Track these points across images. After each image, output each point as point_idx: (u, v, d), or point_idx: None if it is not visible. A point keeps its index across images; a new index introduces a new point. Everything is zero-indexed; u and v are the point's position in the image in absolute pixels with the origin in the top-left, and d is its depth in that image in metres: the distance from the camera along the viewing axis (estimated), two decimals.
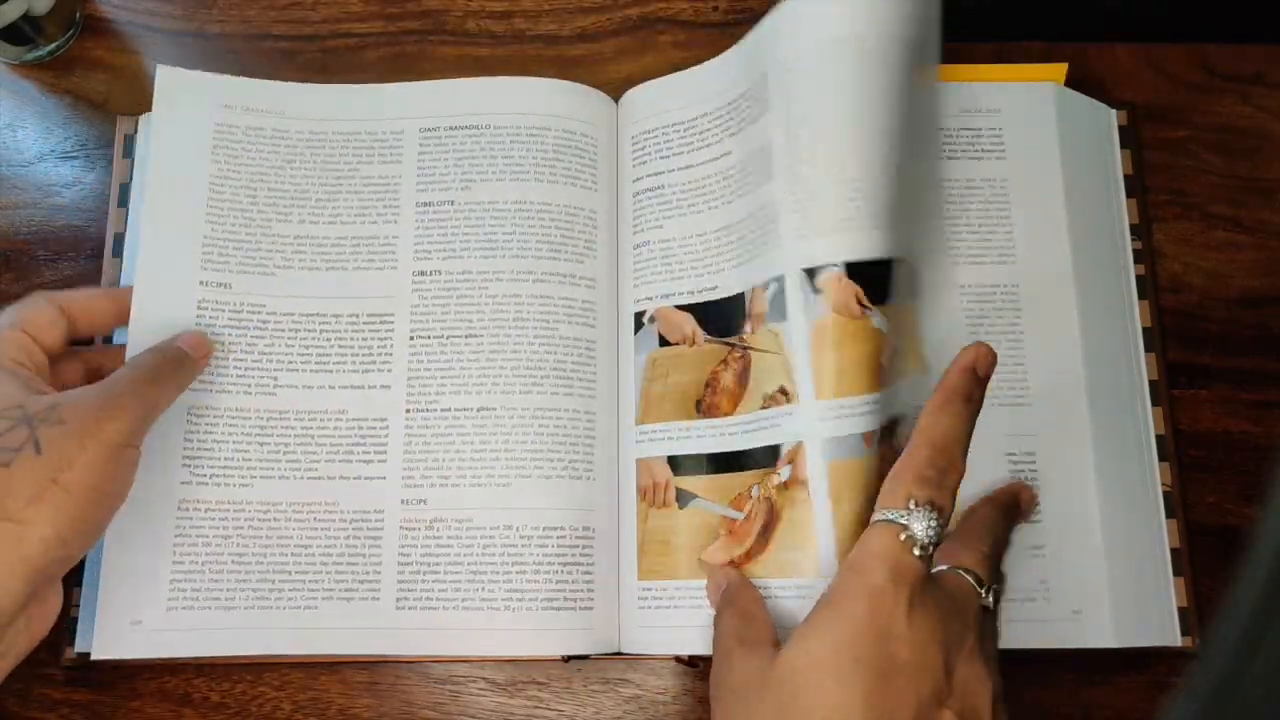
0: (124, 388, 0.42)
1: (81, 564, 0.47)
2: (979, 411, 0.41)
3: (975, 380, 0.41)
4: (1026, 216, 0.51)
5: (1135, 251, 0.52)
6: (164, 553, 0.46)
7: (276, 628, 0.46)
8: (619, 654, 0.47)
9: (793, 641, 0.37)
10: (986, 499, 0.45)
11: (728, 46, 0.56)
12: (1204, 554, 0.49)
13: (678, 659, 0.47)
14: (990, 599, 0.40)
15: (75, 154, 0.55)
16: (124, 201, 0.53)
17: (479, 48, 0.56)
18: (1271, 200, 0.54)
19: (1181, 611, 0.47)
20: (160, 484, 0.46)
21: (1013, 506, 0.45)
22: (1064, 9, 0.54)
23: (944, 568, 0.40)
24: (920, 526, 0.37)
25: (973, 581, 0.39)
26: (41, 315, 0.44)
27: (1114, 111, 0.54)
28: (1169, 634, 0.47)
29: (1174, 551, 0.48)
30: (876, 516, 0.39)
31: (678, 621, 0.46)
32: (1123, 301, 0.51)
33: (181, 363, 0.45)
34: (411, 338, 0.49)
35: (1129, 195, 0.53)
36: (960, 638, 0.38)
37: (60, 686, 0.47)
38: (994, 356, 0.41)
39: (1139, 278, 0.52)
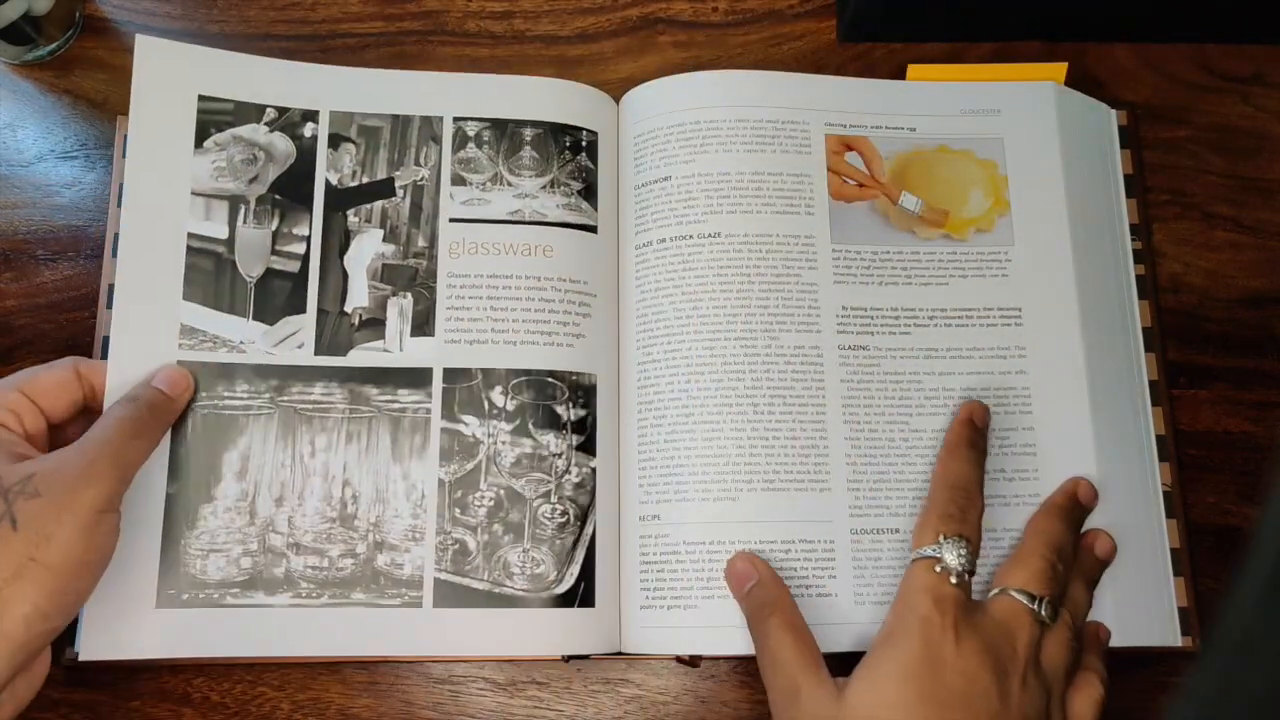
0: (100, 450, 0.41)
1: None
2: (985, 455, 0.46)
3: (975, 430, 0.46)
4: (1027, 216, 0.51)
5: (1135, 251, 0.52)
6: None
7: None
8: (619, 654, 0.47)
9: (859, 680, 0.40)
10: (1040, 509, 0.46)
11: (728, 46, 0.56)
12: (1204, 554, 0.49)
13: (678, 659, 0.47)
14: (1046, 612, 0.41)
15: (75, 154, 0.55)
16: (123, 201, 0.52)
17: (479, 48, 0.56)
18: (1271, 200, 0.54)
19: (1181, 611, 0.47)
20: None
21: (1070, 506, 0.46)
22: (1064, 9, 0.54)
23: (995, 592, 0.42)
24: (952, 556, 0.41)
25: (1023, 600, 0.41)
26: (51, 378, 0.44)
27: (1114, 111, 0.54)
28: (1169, 634, 0.47)
29: (1174, 551, 0.48)
30: (912, 556, 0.43)
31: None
32: (1123, 301, 0.51)
33: (160, 408, 0.45)
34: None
35: (1129, 195, 0.53)
36: (1011, 660, 0.40)
37: (60, 686, 0.47)
38: (987, 409, 0.47)
39: (1139, 278, 0.52)
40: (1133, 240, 0.52)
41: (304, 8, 0.57)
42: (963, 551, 0.42)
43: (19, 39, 0.54)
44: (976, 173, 0.52)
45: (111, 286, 0.51)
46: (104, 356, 0.50)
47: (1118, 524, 0.47)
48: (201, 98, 0.50)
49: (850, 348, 0.49)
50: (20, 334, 0.52)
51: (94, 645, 0.45)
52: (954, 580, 0.41)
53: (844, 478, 0.47)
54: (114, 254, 0.52)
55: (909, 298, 0.50)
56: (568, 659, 0.47)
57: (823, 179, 0.51)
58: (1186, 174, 0.54)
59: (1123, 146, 0.54)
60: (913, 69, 0.54)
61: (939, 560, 0.42)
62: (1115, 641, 0.46)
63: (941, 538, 0.42)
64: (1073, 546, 0.45)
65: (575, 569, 0.47)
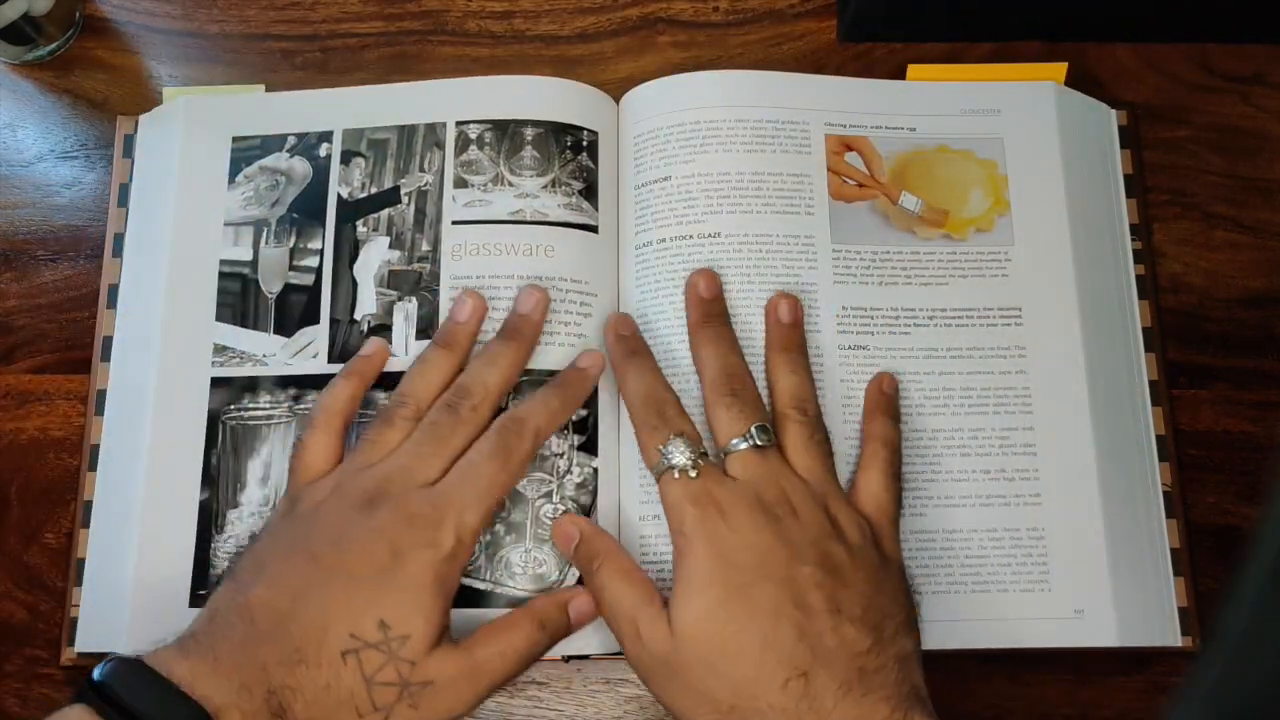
0: (490, 687, 0.42)
1: (81, 564, 0.47)
2: (645, 349, 0.48)
3: (621, 340, 0.48)
4: (1027, 216, 0.51)
5: (1135, 251, 0.52)
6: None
7: None
8: (619, 654, 0.47)
9: (676, 603, 0.41)
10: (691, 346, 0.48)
11: (728, 46, 0.56)
12: (1204, 554, 0.49)
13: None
14: (761, 439, 0.43)
15: (75, 154, 0.55)
16: (124, 201, 0.53)
17: (479, 48, 0.56)
18: (1271, 200, 0.54)
19: (1181, 611, 0.47)
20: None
21: (704, 320, 0.48)
22: (1064, 9, 0.54)
23: (721, 457, 0.44)
24: (678, 456, 0.43)
25: (739, 446, 0.44)
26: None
27: (1114, 111, 0.54)
28: (1169, 634, 0.47)
29: (1174, 551, 0.48)
30: (655, 477, 0.44)
31: None
32: (1123, 301, 0.51)
33: (544, 640, 0.43)
34: None
35: (1129, 195, 0.53)
36: (774, 503, 0.42)
37: (60, 686, 0.47)
38: (628, 319, 0.49)
39: (1139, 278, 0.52)
40: (1133, 240, 0.52)
41: (304, 8, 0.57)
42: (683, 445, 0.43)
43: (19, 39, 0.54)
44: (976, 173, 0.52)
45: (112, 287, 0.52)
46: (104, 358, 0.51)
47: (1119, 523, 0.47)
48: (234, 139, 0.53)
49: (850, 348, 0.49)
50: (20, 334, 0.52)
51: (134, 643, 0.45)
52: (694, 474, 0.43)
53: (844, 478, 0.47)
54: (114, 254, 0.52)
55: (909, 298, 0.50)
56: (568, 659, 0.47)
57: (823, 179, 0.51)
58: (1186, 174, 0.54)
59: (1123, 146, 0.54)
60: (913, 69, 0.54)
61: (671, 468, 0.43)
62: (1118, 641, 0.46)
63: (660, 448, 0.44)
64: (736, 353, 0.47)
65: (576, 569, 0.47)
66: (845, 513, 0.43)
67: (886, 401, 0.48)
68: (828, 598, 0.40)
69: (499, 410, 0.46)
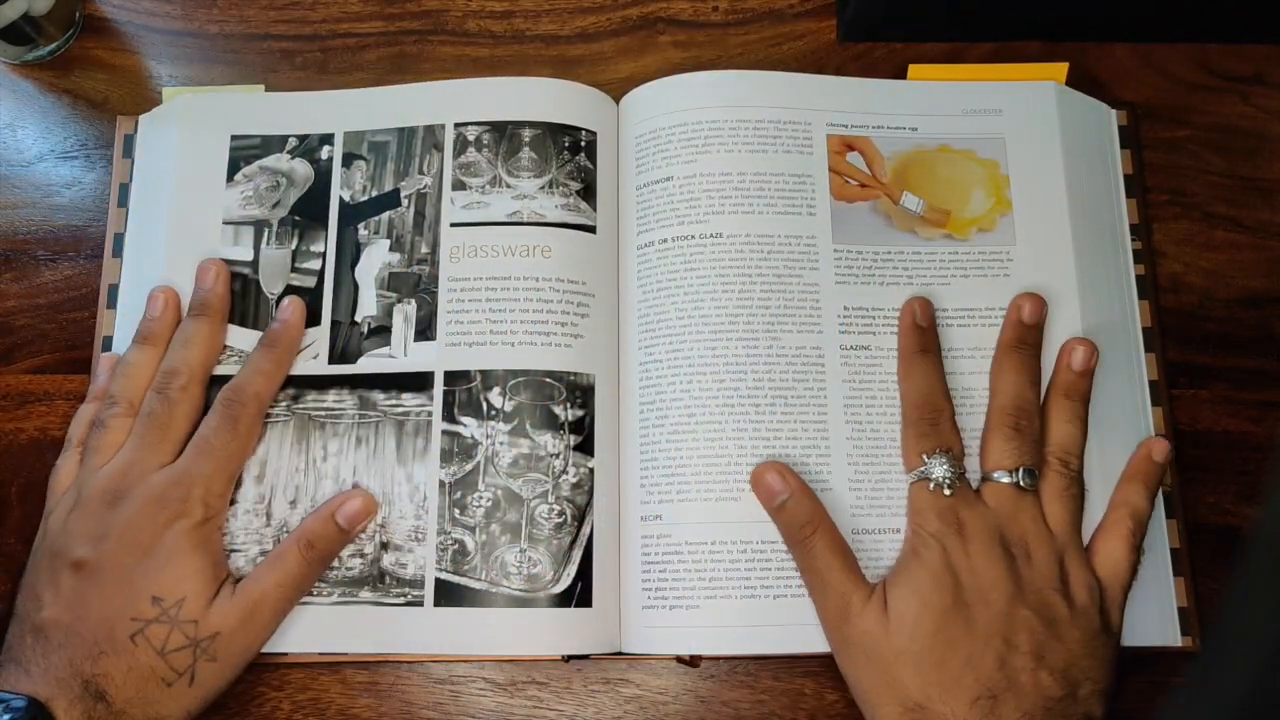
0: (274, 618, 0.45)
1: None
2: (940, 353, 0.48)
3: (920, 332, 0.48)
4: (1028, 216, 0.51)
5: (1135, 251, 0.52)
6: None
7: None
8: (619, 654, 0.47)
9: (896, 594, 0.43)
10: (993, 363, 0.48)
11: (728, 46, 0.56)
12: (1204, 554, 0.49)
13: (679, 659, 0.47)
14: (1025, 481, 0.44)
15: (75, 154, 0.55)
16: (124, 201, 0.53)
17: (479, 48, 0.56)
18: (1271, 200, 0.54)
19: (1181, 611, 0.47)
20: None
21: (1016, 344, 0.48)
22: (1064, 9, 0.54)
23: (980, 482, 0.45)
24: (939, 471, 0.44)
25: (1001, 479, 0.45)
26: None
27: (1114, 111, 0.54)
28: (1169, 634, 0.47)
29: (1174, 551, 0.48)
30: (908, 481, 0.46)
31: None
32: (1123, 301, 0.51)
33: (333, 554, 0.47)
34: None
35: (1129, 195, 0.53)
36: (1015, 542, 0.43)
37: None
38: (927, 302, 0.48)
39: (1139, 278, 0.52)
40: (1133, 240, 0.52)
41: (304, 7, 0.57)
42: (946, 462, 0.44)
43: (19, 39, 0.54)
44: (978, 172, 0.52)
45: (112, 287, 0.52)
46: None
47: None
48: (233, 137, 0.53)
49: (852, 348, 0.49)
50: (20, 334, 0.52)
51: None
52: (948, 492, 0.44)
53: (845, 478, 0.47)
54: (114, 254, 0.52)
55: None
56: (568, 659, 0.47)
57: (824, 179, 0.51)
58: (1186, 174, 0.54)
59: (1123, 146, 0.54)
60: (913, 69, 0.54)
61: (928, 479, 0.45)
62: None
63: (924, 457, 0.45)
64: (1034, 388, 0.47)
65: (572, 569, 0.47)
66: (1079, 572, 0.44)
67: (1152, 471, 0.47)
68: (1036, 644, 0.42)
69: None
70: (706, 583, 0.46)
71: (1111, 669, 0.43)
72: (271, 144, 0.53)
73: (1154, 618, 0.47)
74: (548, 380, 0.48)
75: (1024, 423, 0.46)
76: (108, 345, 0.51)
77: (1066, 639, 0.42)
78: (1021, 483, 0.44)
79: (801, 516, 0.45)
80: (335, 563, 0.47)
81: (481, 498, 0.47)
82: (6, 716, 0.39)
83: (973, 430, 0.47)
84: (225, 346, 0.49)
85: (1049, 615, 0.42)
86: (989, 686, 0.41)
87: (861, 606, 0.43)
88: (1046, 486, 0.45)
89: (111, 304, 0.51)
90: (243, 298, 0.50)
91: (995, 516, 0.44)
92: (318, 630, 0.46)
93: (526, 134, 0.51)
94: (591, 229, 0.51)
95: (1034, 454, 0.45)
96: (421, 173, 0.52)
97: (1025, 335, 0.48)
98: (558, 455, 0.48)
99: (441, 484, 0.47)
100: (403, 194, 0.51)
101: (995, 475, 0.45)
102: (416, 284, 0.50)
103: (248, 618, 0.44)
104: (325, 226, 0.51)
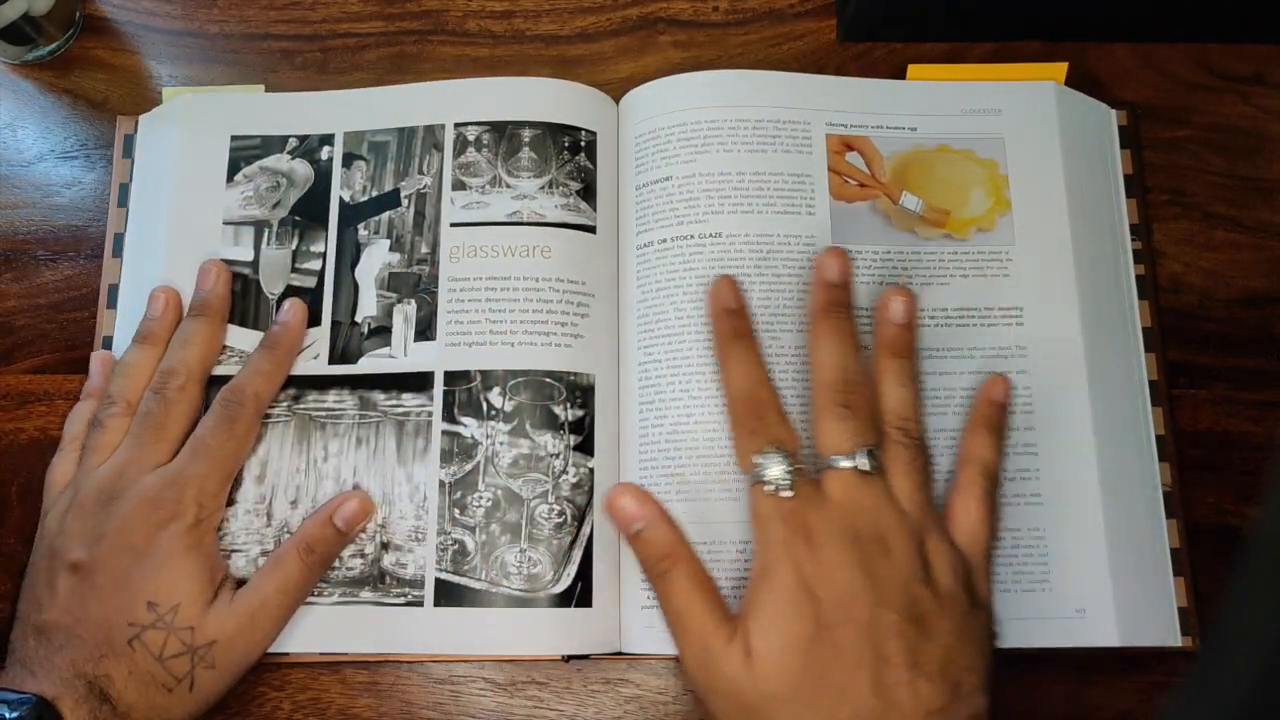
0: (274, 625, 0.45)
1: None
2: (756, 338, 0.45)
3: (730, 315, 0.45)
4: (1028, 216, 0.51)
5: (1135, 251, 0.52)
6: None
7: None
8: (619, 654, 0.47)
9: (755, 630, 0.40)
10: (809, 341, 0.45)
11: (728, 46, 0.56)
12: (1204, 554, 0.49)
13: (679, 659, 0.47)
14: (866, 463, 0.41)
15: (75, 154, 0.55)
16: (124, 201, 0.53)
17: (479, 48, 0.56)
18: (1271, 200, 0.54)
19: (1181, 611, 0.47)
20: None
21: (826, 311, 0.45)
22: (1064, 9, 0.54)
23: (819, 470, 0.42)
24: (774, 470, 0.41)
25: (841, 465, 0.41)
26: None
27: (1114, 111, 0.54)
28: (1169, 634, 0.47)
29: (1174, 551, 0.48)
30: (747, 483, 0.43)
31: None
32: (1123, 301, 0.51)
33: (332, 557, 0.46)
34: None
35: (1129, 195, 0.53)
36: (867, 534, 0.40)
37: None
38: (732, 281, 0.46)
39: (1139, 278, 0.52)
40: (1133, 240, 0.52)
41: (304, 8, 0.57)
42: (780, 460, 0.41)
43: (19, 39, 0.54)
44: (977, 172, 0.52)
45: (112, 287, 0.52)
46: None
47: (1120, 523, 0.47)
48: (233, 137, 0.53)
49: None
50: (20, 334, 0.52)
51: None
52: (788, 493, 0.41)
53: None
54: (114, 254, 0.52)
55: None
56: (568, 659, 0.47)
57: (824, 179, 0.51)
58: (1186, 174, 0.54)
59: (1123, 146, 0.54)
60: (913, 69, 0.54)
61: (764, 482, 0.41)
62: (1119, 641, 0.46)
63: (755, 457, 0.42)
64: (856, 354, 0.44)
65: (572, 569, 0.47)
66: (940, 551, 0.41)
67: (995, 415, 0.45)
68: (908, 649, 0.39)
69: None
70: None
71: (988, 650, 0.41)
72: (271, 144, 0.53)
73: (1154, 618, 0.47)
74: (548, 380, 0.48)
75: (853, 397, 0.43)
76: (108, 345, 0.51)
77: (938, 634, 0.39)
78: (863, 466, 0.41)
79: (660, 547, 0.43)
80: (336, 563, 0.47)
81: (481, 498, 0.47)
82: (13, 714, 0.39)
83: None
84: (225, 347, 0.50)
85: (916, 612, 0.39)
86: (865, 715, 0.38)
87: (723, 649, 0.40)
88: (891, 462, 0.42)
89: (111, 304, 0.51)
90: (243, 298, 0.51)
91: (842, 512, 0.41)
92: (318, 630, 0.46)
93: (526, 134, 0.51)
94: (591, 229, 0.51)
95: (871, 430, 0.42)
96: (421, 173, 0.52)
97: (836, 296, 0.45)
98: (558, 455, 0.48)
99: (441, 484, 0.48)
100: (403, 194, 0.51)
101: (833, 461, 0.42)
102: (416, 284, 0.50)
103: (247, 625, 0.44)
104: (325, 227, 0.51)
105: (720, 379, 0.46)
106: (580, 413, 0.48)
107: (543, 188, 0.51)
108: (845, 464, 0.41)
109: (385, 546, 0.47)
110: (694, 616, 0.41)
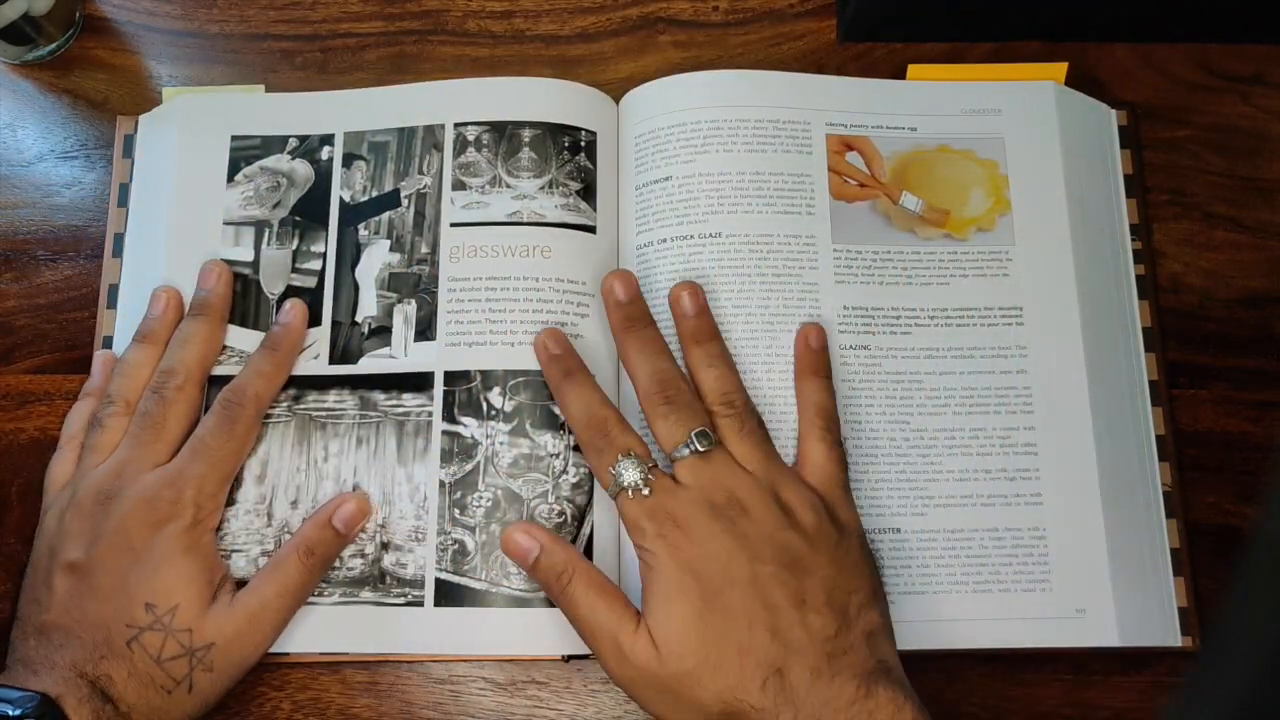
0: (273, 629, 0.45)
1: None
2: (580, 365, 0.47)
3: (557, 360, 0.47)
4: (1027, 216, 0.51)
5: (1135, 251, 0.52)
6: None
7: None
8: None
9: (656, 620, 0.42)
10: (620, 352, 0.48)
11: (728, 46, 0.56)
12: (1204, 554, 0.49)
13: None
14: (703, 444, 0.43)
15: (75, 154, 0.55)
16: (124, 201, 0.53)
17: (479, 48, 0.56)
18: (1271, 200, 0.54)
19: (1181, 611, 0.47)
20: None
21: (628, 323, 0.47)
22: (1064, 9, 0.54)
23: (669, 463, 0.44)
24: (629, 476, 0.43)
25: (682, 454, 0.44)
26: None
27: (1114, 111, 0.54)
28: (1169, 634, 0.47)
29: (1174, 551, 0.48)
30: (609, 495, 0.44)
31: None
32: (1123, 301, 0.51)
33: (331, 559, 0.46)
34: None
35: (1129, 195, 0.53)
36: (726, 506, 0.42)
37: None
38: (559, 333, 0.48)
39: (1139, 278, 0.52)
40: (1133, 240, 0.52)
41: (304, 7, 0.57)
42: (632, 464, 0.43)
43: (19, 39, 0.54)
44: (977, 172, 0.52)
45: (112, 287, 0.52)
46: None
47: (1120, 523, 0.47)
48: (233, 137, 0.53)
49: (851, 348, 0.49)
50: (20, 334, 0.52)
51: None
52: (646, 492, 0.43)
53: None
54: (114, 254, 0.52)
55: (910, 297, 0.50)
56: (568, 659, 0.47)
57: (824, 179, 0.51)
58: (1186, 174, 0.54)
59: (1123, 146, 0.54)
60: (913, 69, 0.54)
61: (622, 489, 0.43)
62: (1120, 641, 0.46)
63: (610, 469, 0.44)
64: (664, 355, 0.46)
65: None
66: (796, 495, 0.44)
67: (816, 360, 0.47)
68: (791, 592, 0.41)
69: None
70: None
71: (867, 569, 0.43)
72: (272, 144, 0.53)
73: (1154, 618, 0.47)
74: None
75: (672, 392, 0.45)
76: (108, 345, 0.51)
77: (814, 568, 0.42)
78: (700, 447, 0.43)
79: (556, 567, 0.44)
80: (336, 563, 0.47)
81: (482, 498, 0.47)
82: (16, 712, 0.39)
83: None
84: (225, 347, 0.50)
85: (789, 558, 0.42)
86: (770, 662, 0.40)
87: (631, 642, 0.42)
88: (725, 434, 0.45)
89: (111, 304, 0.51)
90: (243, 298, 0.51)
91: (697, 492, 0.43)
92: (318, 630, 0.46)
93: (526, 134, 0.51)
94: (591, 229, 0.51)
95: (697, 415, 0.45)
96: (421, 173, 0.52)
97: (630, 311, 0.47)
98: (558, 455, 0.48)
99: (442, 484, 0.48)
100: (403, 194, 0.51)
101: (676, 454, 0.44)
102: (416, 284, 0.50)
103: (246, 628, 0.44)
104: (325, 227, 0.51)
105: (562, 414, 0.47)
106: None
107: (543, 188, 0.51)
108: (685, 451, 0.44)
109: (385, 546, 0.47)
110: (599, 620, 0.43)
